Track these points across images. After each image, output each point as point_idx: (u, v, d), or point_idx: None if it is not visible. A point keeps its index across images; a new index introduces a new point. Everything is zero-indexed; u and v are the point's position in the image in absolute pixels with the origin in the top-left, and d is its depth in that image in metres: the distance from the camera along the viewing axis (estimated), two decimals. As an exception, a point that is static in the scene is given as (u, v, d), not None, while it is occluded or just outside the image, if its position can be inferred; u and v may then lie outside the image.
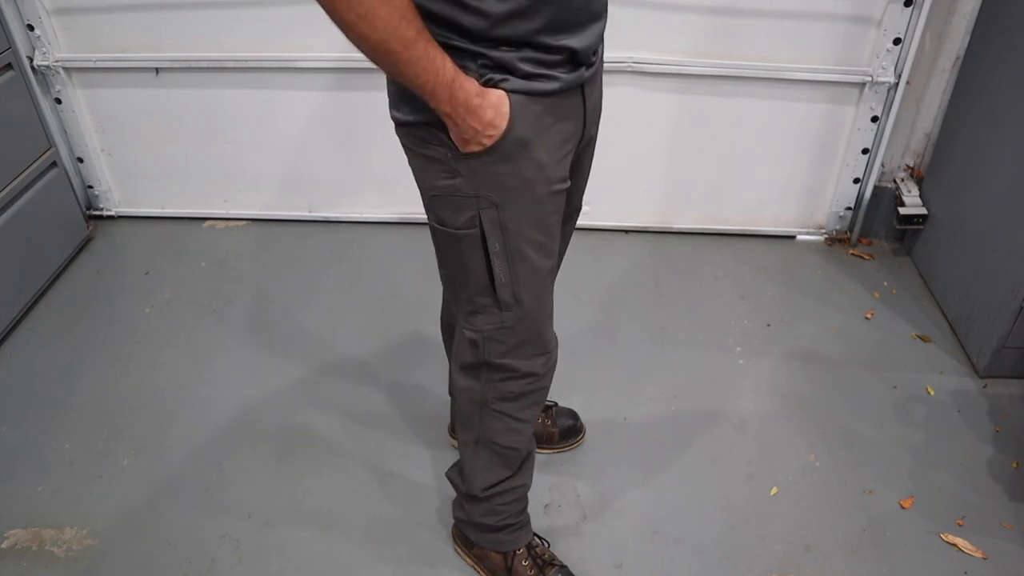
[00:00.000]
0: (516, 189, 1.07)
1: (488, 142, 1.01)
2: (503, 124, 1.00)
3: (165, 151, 2.38)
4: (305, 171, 2.39)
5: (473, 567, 1.52)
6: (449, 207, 1.09)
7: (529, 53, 0.98)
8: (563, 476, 1.68)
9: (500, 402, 1.29)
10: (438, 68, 0.93)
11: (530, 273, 1.15)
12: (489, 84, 0.99)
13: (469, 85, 0.96)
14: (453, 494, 1.63)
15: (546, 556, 1.50)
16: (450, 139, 1.03)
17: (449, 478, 1.49)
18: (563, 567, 1.49)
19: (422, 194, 1.13)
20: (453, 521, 1.56)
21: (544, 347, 1.25)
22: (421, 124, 1.04)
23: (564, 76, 1.02)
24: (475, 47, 0.96)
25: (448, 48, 0.95)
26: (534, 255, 1.13)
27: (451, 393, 1.66)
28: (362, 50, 0.91)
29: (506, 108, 0.99)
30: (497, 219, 1.08)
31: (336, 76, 2.19)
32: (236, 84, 2.23)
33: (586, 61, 1.04)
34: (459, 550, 1.54)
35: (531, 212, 1.10)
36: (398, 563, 1.53)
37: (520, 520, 1.46)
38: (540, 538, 1.52)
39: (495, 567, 1.49)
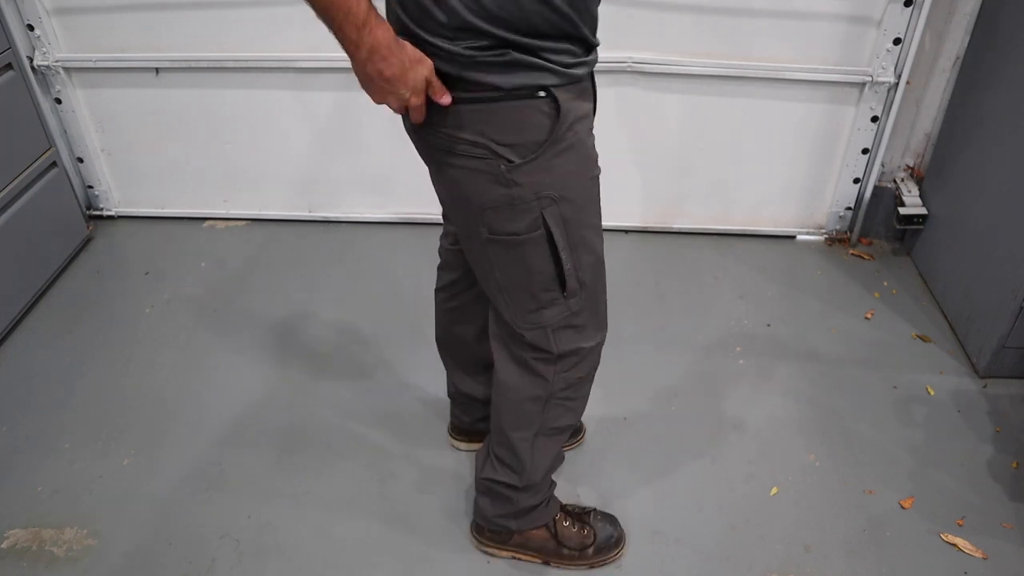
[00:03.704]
0: (573, 179, 1.09)
1: (392, 101, 0.99)
2: (414, 84, 0.98)
3: (165, 151, 2.38)
4: (305, 171, 2.39)
5: (513, 557, 1.52)
6: (505, 216, 1.09)
7: (565, 44, 1.00)
8: (563, 476, 1.68)
9: (567, 390, 1.31)
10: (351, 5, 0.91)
11: (591, 256, 1.18)
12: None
13: (381, 32, 0.94)
14: (452, 494, 1.64)
15: (576, 509, 1.53)
16: (506, 150, 1.02)
17: (490, 480, 1.44)
18: (594, 509, 1.53)
19: (460, 206, 1.12)
20: (473, 527, 1.54)
21: (604, 321, 1.29)
22: (470, 139, 1.03)
23: (588, 59, 1.05)
24: (540, 42, 0.98)
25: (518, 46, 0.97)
26: (593, 238, 1.17)
27: (452, 397, 1.66)
28: None
29: (424, 72, 0.98)
30: (559, 214, 1.10)
31: (336, 76, 2.19)
32: (236, 84, 2.23)
33: (596, 41, 1.07)
34: (491, 549, 1.52)
35: (586, 197, 1.13)
36: (397, 563, 1.53)
37: (551, 486, 1.49)
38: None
39: (541, 543, 1.49)
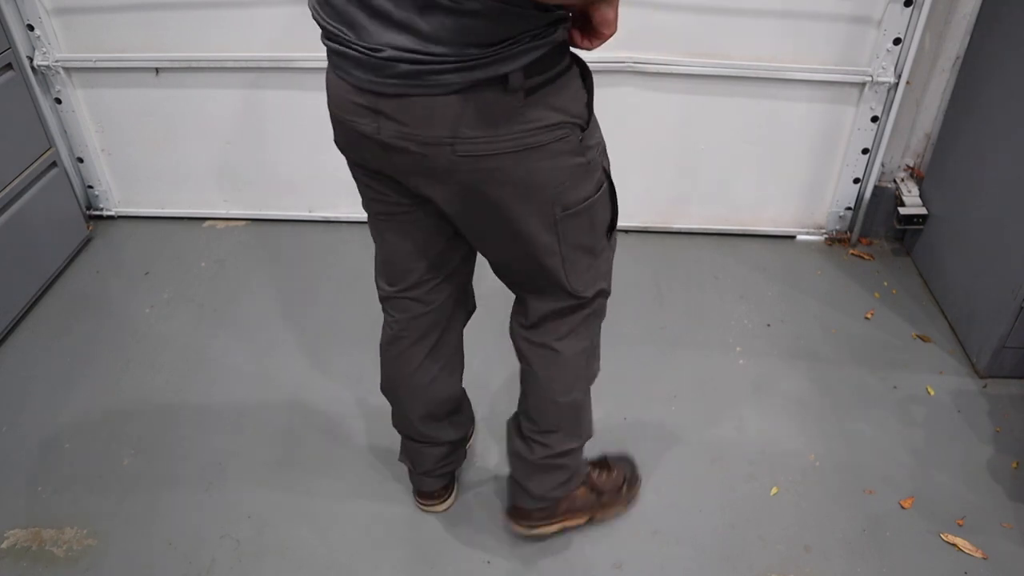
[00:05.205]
0: (597, 122, 1.14)
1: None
2: None
3: (165, 151, 2.38)
4: (305, 171, 2.39)
5: (561, 528, 1.54)
6: (580, 185, 1.11)
7: None
8: (563, 476, 1.68)
9: (597, 336, 1.37)
10: None
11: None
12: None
13: None
14: (453, 494, 1.63)
15: (596, 459, 1.60)
16: (577, 118, 1.05)
17: (549, 456, 1.42)
18: (605, 455, 1.61)
19: (529, 203, 1.09)
20: (514, 516, 1.54)
21: None
22: (554, 122, 1.03)
23: None
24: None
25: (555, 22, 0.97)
26: None
27: (425, 464, 1.56)
28: None
29: None
30: (605, 160, 1.16)
31: (336, 76, 2.19)
32: (236, 84, 2.23)
33: None
34: (541, 528, 1.54)
35: None
36: (398, 563, 1.53)
37: None
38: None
39: (584, 501, 1.54)
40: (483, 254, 1.26)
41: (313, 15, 1.04)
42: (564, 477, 1.49)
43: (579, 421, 1.44)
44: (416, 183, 1.10)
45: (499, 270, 1.28)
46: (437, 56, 0.94)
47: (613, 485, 1.57)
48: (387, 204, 1.20)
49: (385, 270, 1.31)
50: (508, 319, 1.36)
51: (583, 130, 1.07)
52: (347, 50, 0.99)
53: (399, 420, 1.50)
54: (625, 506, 1.60)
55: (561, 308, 1.28)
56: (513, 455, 1.47)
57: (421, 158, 1.04)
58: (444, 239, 1.25)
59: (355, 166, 1.19)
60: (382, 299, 1.35)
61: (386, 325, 1.38)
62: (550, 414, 1.40)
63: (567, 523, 1.55)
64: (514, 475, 1.49)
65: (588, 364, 1.38)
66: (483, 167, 1.04)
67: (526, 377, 1.39)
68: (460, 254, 1.30)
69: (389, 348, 1.40)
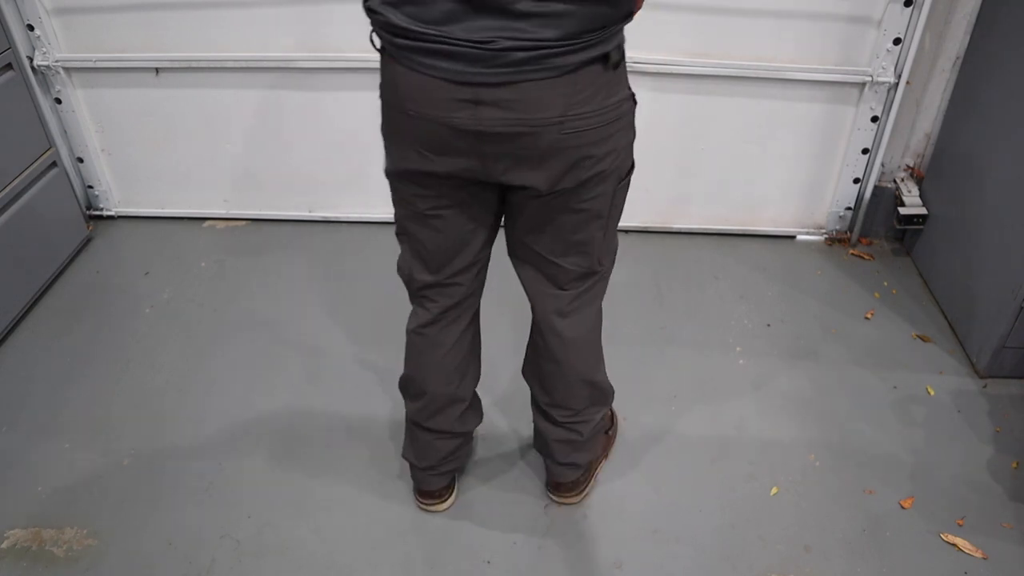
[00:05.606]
0: None
1: None
2: None
3: (165, 151, 2.38)
4: (305, 171, 2.39)
5: (593, 482, 1.65)
6: (630, 154, 1.20)
7: None
8: (563, 476, 1.68)
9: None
10: None
11: None
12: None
13: None
14: (453, 494, 1.63)
15: None
16: (631, 93, 1.14)
17: (594, 429, 1.52)
18: None
19: (613, 165, 1.16)
20: (566, 489, 1.60)
21: None
22: (626, 95, 1.13)
23: None
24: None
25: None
26: None
27: (438, 462, 1.56)
28: None
29: None
30: None
31: (335, 76, 2.19)
32: (236, 84, 2.23)
33: None
34: (587, 489, 1.63)
35: None
36: (398, 563, 1.53)
37: None
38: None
39: (603, 444, 1.66)
40: (528, 237, 1.26)
41: (380, 19, 1.02)
42: (602, 437, 1.61)
43: (604, 388, 1.50)
44: (502, 169, 1.11)
45: (533, 253, 1.28)
46: (551, 41, 0.97)
47: (610, 416, 1.70)
48: (441, 198, 1.21)
49: (427, 260, 1.30)
50: (507, 311, 1.36)
51: (635, 104, 1.16)
52: (440, 46, 0.99)
53: (420, 409, 1.47)
54: (617, 425, 1.76)
55: (582, 288, 1.33)
56: (559, 443, 1.51)
57: (524, 139, 1.06)
58: (493, 218, 1.28)
59: (413, 171, 1.17)
60: (421, 288, 1.35)
61: (422, 311, 1.38)
62: (583, 395, 1.45)
63: (598, 469, 1.66)
64: (559, 459, 1.54)
65: (600, 336, 1.46)
66: (584, 142, 1.08)
67: (552, 372, 1.42)
68: (497, 230, 1.33)
69: (424, 331, 1.39)
